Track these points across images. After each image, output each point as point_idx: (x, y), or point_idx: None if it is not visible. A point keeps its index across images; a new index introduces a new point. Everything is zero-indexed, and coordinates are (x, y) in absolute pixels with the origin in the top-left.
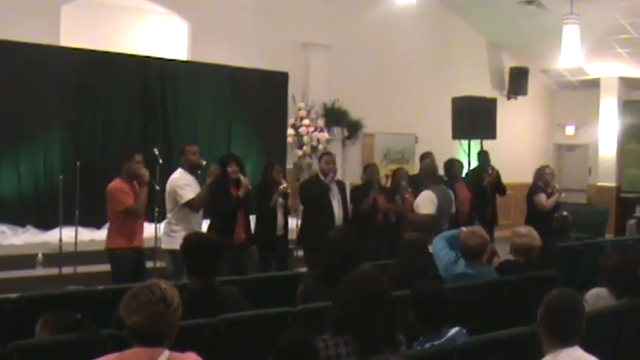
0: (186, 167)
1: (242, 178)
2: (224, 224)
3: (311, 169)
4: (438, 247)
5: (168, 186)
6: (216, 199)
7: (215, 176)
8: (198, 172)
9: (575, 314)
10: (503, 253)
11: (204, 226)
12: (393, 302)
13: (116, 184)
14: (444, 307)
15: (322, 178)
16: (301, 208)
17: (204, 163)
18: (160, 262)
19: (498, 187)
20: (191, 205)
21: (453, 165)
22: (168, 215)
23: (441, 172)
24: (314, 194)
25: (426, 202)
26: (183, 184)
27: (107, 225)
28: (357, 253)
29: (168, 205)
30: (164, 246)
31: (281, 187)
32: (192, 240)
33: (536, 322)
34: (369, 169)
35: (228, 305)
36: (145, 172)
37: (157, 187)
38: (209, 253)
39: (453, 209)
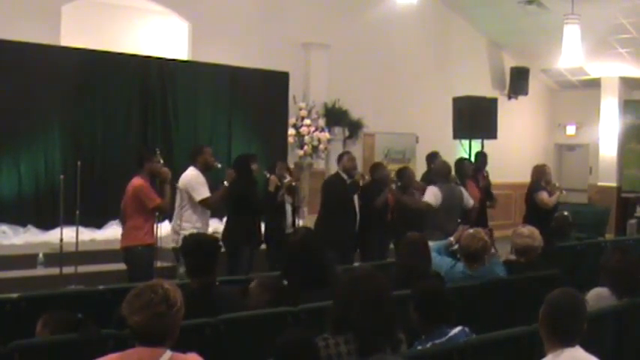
0: (200, 167)
1: (269, 175)
2: (251, 223)
3: (312, 169)
4: (432, 256)
5: (182, 183)
6: (250, 197)
7: (232, 179)
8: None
9: (576, 315)
10: (504, 253)
11: (216, 224)
12: (392, 301)
13: (141, 182)
14: (445, 305)
15: (344, 177)
16: (304, 206)
17: (219, 165)
18: (161, 261)
19: (488, 193)
20: (206, 204)
21: (463, 165)
22: (179, 212)
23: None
24: (346, 193)
25: (428, 195)
26: (202, 181)
27: (108, 224)
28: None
29: (180, 202)
30: (174, 245)
31: (285, 180)
32: (191, 240)
33: (536, 322)
34: (382, 169)
35: (225, 305)
36: (167, 171)
37: (177, 186)
38: (208, 253)
39: (468, 205)
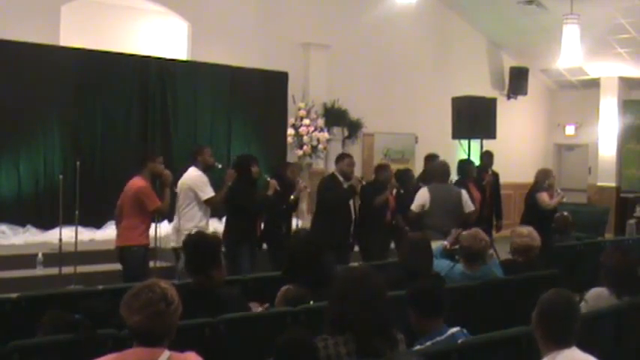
0: (200, 167)
1: (269, 179)
2: (249, 224)
3: (311, 169)
4: None
5: (185, 183)
6: (245, 199)
7: (233, 179)
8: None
9: (571, 316)
10: (504, 253)
11: (215, 224)
12: (389, 300)
13: (144, 183)
14: (442, 298)
15: (341, 179)
16: (303, 207)
17: (220, 166)
18: (160, 261)
19: (496, 195)
20: (212, 203)
21: (466, 166)
22: (182, 211)
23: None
24: (339, 197)
25: (415, 199)
26: (206, 180)
27: (107, 224)
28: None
29: (182, 202)
30: (174, 244)
31: (302, 185)
32: (193, 239)
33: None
34: (386, 171)
35: (226, 304)
36: (169, 174)
37: (175, 190)
38: (209, 252)
39: (466, 209)
